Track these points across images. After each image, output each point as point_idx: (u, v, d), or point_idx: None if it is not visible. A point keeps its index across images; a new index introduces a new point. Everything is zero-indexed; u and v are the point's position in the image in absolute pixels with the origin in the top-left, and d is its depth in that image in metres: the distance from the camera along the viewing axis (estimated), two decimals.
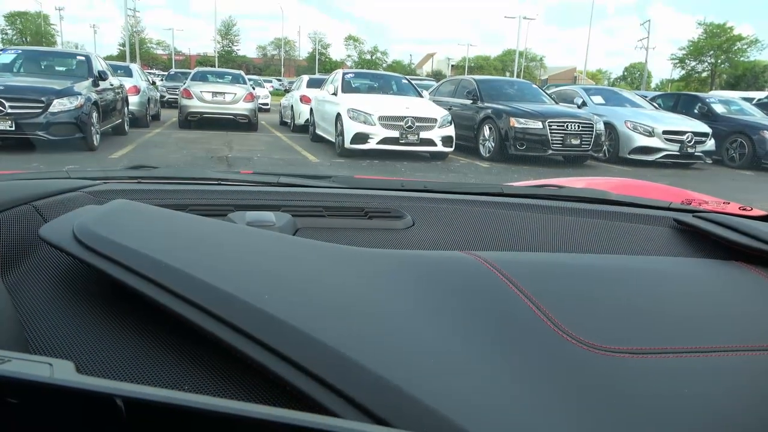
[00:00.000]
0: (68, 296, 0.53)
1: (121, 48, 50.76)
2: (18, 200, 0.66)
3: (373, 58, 69.78)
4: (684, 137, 9.09)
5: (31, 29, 61.78)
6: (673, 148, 9.07)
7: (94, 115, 7.40)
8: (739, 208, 1.01)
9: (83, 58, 8.65)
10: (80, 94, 7.09)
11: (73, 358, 0.46)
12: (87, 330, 0.49)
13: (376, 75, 11.18)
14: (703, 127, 9.47)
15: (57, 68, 8.52)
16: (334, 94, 8.86)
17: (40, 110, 6.65)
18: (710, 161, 9.66)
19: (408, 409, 0.40)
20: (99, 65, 8.48)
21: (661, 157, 9.08)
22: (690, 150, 9.12)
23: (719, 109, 10.90)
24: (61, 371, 0.31)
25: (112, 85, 8.64)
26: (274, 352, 0.42)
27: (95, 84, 7.79)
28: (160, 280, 0.47)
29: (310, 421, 0.28)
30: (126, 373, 0.45)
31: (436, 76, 49.10)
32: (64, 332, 0.48)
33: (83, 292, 0.54)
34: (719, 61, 50.06)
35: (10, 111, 6.49)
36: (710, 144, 9.42)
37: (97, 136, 7.58)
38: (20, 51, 8.95)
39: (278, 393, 0.43)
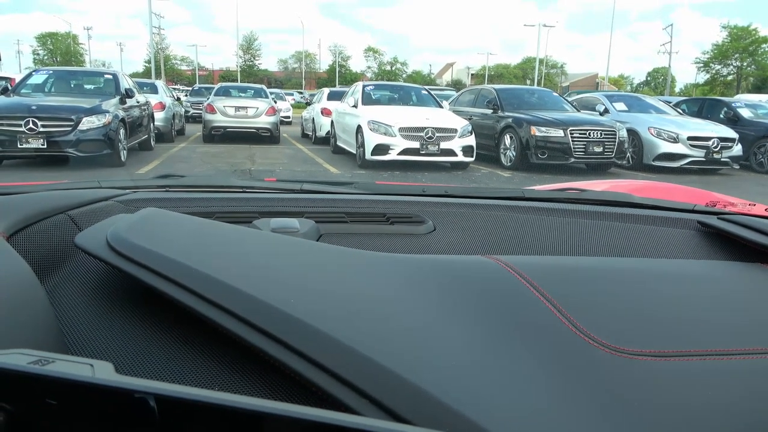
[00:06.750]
0: (102, 302, 0.55)
1: (147, 65, 51.92)
2: (54, 210, 0.68)
3: (393, 69, 70.05)
4: (710, 143, 8.91)
5: (61, 49, 63.61)
6: (699, 154, 8.89)
7: (122, 131, 7.58)
8: (766, 209, 1.00)
9: (110, 76, 8.86)
10: (108, 111, 7.28)
11: (109, 360, 0.48)
12: (120, 334, 0.51)
13: (395, 86, 11.23)
14: (730, 132, 9.27)
15: (86, 87, 8.74)
16: (355, 106, 8.92)
17: (70, 128, 6.84)
18: (737, 167, 9.44)
19: (431, 409, 0.40)
20: (126, 83, 8.69)
21: (686, 164, 8.90)
22: (716, 156, 8.93)
23: (746, 113, 10.66)
24: (102, 371, 0.32)
25: (138, 102, 8.84)
26: (301, 355, 0.43)
27: (122, 101, 7.98)
28: (190, 285, 0.48)
29: (335, 419, 0.29)
30: (158, 374, 0.47)
31: (456, 85, 49.04)
32: (99, 336, 0.50)
33: (117, 297, 0.56)
34: (745, 64, 49.09)
35: (42, 129, 6.69)
36: (737, 149, 9.21)
37: (125, 152, 7.75)
38: (51, 71, 9.23)
39: (304, 393, 0.44)
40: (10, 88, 8.16)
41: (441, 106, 9.40)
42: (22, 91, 8.01)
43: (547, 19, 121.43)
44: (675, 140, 8.96)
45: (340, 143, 9.70)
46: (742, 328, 0.59)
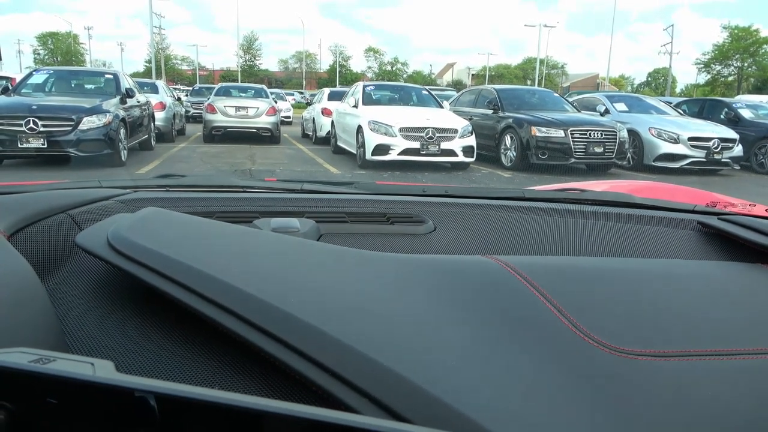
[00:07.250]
0: (103, 301, 0.55)
1: (147, 65, 51.89)
2: (54, 209, 0.69)
3: (394, 69, 70.02)
4: (710, 143, 8.91)
5: (62, 49, 63.62)
6: (699, 154, 8.89)
7: (122, 131, 7.58)
8: (766, 210, 1.00)
9: (111, 76, 8.86)
10: (108, 111, 7.28)
11: (110, 359, 0.48)
12: (121, 333, 0.51)
13: (396, 87, 11.24)
14: (730, 133, 9.28)
15: (86, 86, 8.75)
16: (355, 106, 8.93)
17: (71, 128, 6.85)
18: (738, 167, 9.44)
19: (431, 408, 0.40)
20: (126, 83, 8.69)
21: (686, 164, 8.90)
22: (717, 156, 8.93)
23: (747, 113, 10.65)
24: (102, 370, 0.32)
25: (138, 101, 8.83)
26: (301, 354, 0.43)
27: (123, 101, 7.98)
28: (190, 284, 0.48)
29: (335, 418, 0.29)
30: (158, 373, 0.47)
31: (457, 85, 49.01)
32: (100, 335, 0.50)
33: (117, 296, 0.56)
34: (746, 64, 49.13)
35: (42, 129, 6.70)
36: (738, 150, 9.21)
37: (125, 151, 7.75)
38: (51, 71, 9.23)
39: (304, 392, 0.44)
40: (10, 87, 8.17)
41: (441, 107, 9.41)
42: (23, 90, 8.01)
43: (548, 19, 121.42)
44: (675, 141, 8.96)
45: (340, 143, 9.70)
46: (742, 328, 0.59)
